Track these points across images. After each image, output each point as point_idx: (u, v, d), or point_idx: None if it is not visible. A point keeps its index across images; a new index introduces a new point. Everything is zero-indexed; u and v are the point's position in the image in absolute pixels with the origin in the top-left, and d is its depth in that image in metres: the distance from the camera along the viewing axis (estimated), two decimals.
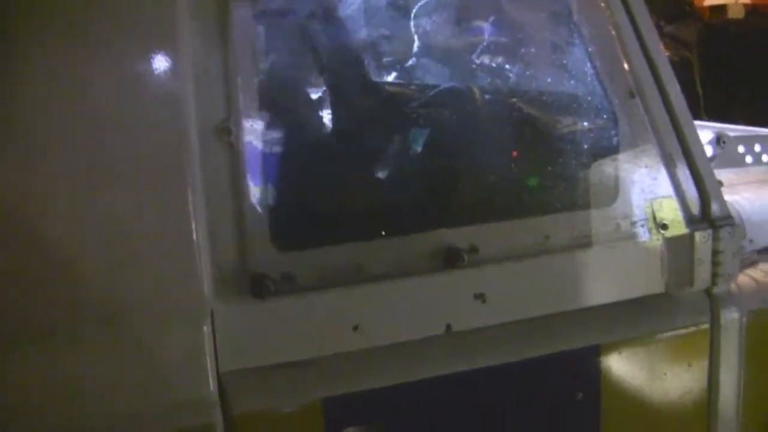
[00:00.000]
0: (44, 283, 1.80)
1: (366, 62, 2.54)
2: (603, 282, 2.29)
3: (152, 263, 1.86)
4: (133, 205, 1.86)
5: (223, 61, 1.93)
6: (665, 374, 2.37)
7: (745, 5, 13.15)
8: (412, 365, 2.12)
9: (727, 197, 2.57)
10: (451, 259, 2.11)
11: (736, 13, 13.00)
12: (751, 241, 2.70)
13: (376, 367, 2.09)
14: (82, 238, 1.82)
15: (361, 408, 2.07)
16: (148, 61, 1.83)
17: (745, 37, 11.82)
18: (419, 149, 2.29)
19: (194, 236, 1.88)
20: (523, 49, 2.44)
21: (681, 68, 7.33)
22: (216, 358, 1.92)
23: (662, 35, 7.41)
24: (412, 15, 2.56)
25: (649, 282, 2.34)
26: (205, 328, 1.90)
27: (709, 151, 2.55)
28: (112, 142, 1.83)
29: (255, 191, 1.98)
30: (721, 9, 12.83)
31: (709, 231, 2.36)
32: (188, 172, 1.87)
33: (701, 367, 2.42)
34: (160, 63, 1.84)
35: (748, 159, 2.75)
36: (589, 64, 2.27)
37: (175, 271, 1.88)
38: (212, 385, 1.91)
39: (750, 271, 2.61)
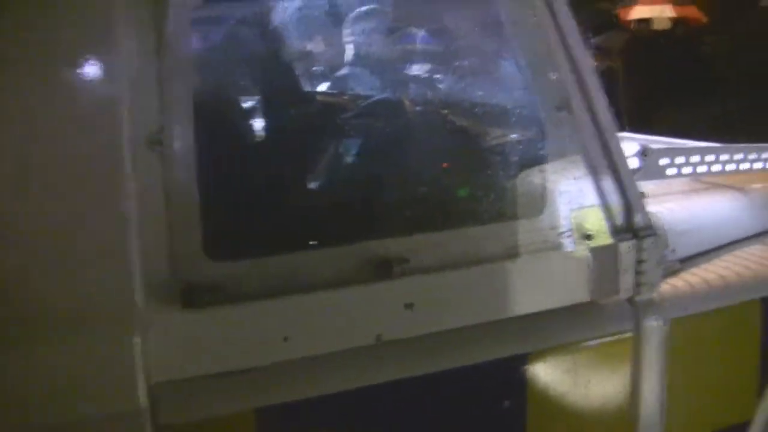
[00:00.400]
0: None
1: (298, 72, 2.54)
2: (530, 291, 2.32)
3: (83, 272, 1.86)
4: (65, 213, 1.85)
5: (157, 69, 1.93)
6: (590, 381, 2.42)
7: (672, 18, 13.46)
8: (342, 375, 2.13)
9: (650, 208, 2.64)
10: (381, 269, 2.13)
11: (661, 24, 13.30)
12: (673, 250, 2.76)
13: (307, 377, 2.10)
14: (13, 245, 1.81)
15: (292, 418, 2.07)
16: (83, 66, 1.83)
17: (672, 48, 12.10)
18: (350, 160, 2.30)
19: (126, 245, 1.88)
20: (453, 61, 2.48)
21: (607, 79, 7.46)
22: (147, 368, 1.91)
23: (590, 46, 7.54)
24: (344, 24, 2.57)
25: (575, 291, 2.39)
26: (136, 337, 1.89)
27: (633, 163, 2.61)
28: (45, 148, 1.82)
29: (187, 201, 1.98)
30: (647, 21, 13.12)
31: (633, 241, 2.42)
32: (121, 181, 1.86)
33: (625, 374, 2.48)
34: (95, 69, 1.83)
35: (671, 171, 2.81)
36: (518, 77, 2.31)
37: (107, 280, 1.88)
38: (142, 395, 1.90)
39: (673, 280, 2.68)
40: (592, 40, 7.48)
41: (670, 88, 11.39)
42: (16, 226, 1.82)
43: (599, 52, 7.50)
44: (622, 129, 6.95)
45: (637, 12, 14.13)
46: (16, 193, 1.82)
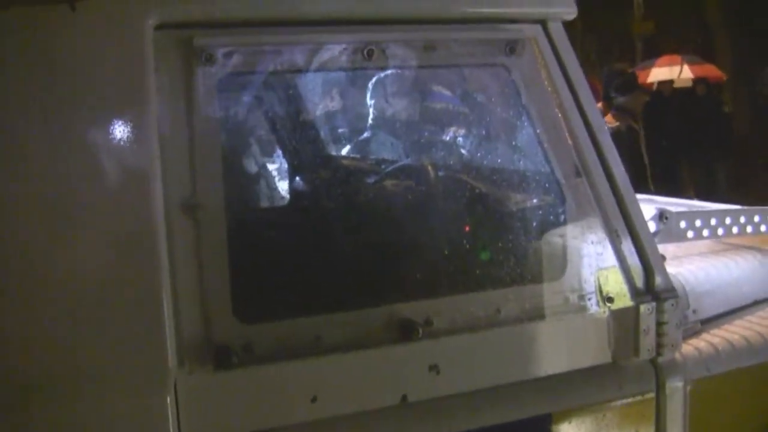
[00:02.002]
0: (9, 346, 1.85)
1: (323, 135, 2.62)
2: (553, 353, 2.36)
3: (118, 333, 1.93)
4: (102, 276, 1.93)
5: (189, 134, 2.02)
6: None
7: (692, 78, 13.54)
8: None
9: (670, 270, 2.67)
10: (406, 331, 2.18)
11: (682, 84, 13.39)
12: (694, 311, 2.80)
13: None
14: (50, 307, 1.89)
15: None
16: (115, 131, 1.92)
17: (693, 108, 12.15)
18: (376, 223, 2.36)
19: (159, 307, 1.94)
20: (474, 130, 2.54)
21: (629, 140, 7.53)
22: (178, 428, 1.97)
23: (612, 107, 7.62)
24: (369, 91, 2.65)
25: (596, 352, 2.43)
26: (168, 398, 1.95)
27: (652, 226, 2.66)
28: (79, 214, 1.91)
29: (218, 264, 2.04)
30: (668, 81, 13.22)
31: (653, 303, 2.45)
32: (154, 246, 1.94)
33: None
34: (127, 134, 1.92)
35: (690, 234, 2.86)
36: (537, 145, 2.37)
37: (141, 341, 1.95)
38: None
39: (694, 341, 2.70)
40: (616, 102, 7.57)
41: (692, 148, 11.44)
42: (52, 288, 1.90)
43: (621, 113, 7.56)
44: (647, 189, 6.98)
45: (655, 74, 14.27)
46: (53, 257, 1.90)
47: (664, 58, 14.98)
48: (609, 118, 7.53)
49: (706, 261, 3.07)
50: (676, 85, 13.51)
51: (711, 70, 14.62)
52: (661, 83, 13.40)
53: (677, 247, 3.18)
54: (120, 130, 1.92)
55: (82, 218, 1.92)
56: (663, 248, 2.90)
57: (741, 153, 13.44)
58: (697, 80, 13.38)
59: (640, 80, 12.76)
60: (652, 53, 16.54)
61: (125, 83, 1.94)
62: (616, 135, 7.44)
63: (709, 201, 3.75)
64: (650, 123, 9.98)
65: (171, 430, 1.96)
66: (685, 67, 14.09)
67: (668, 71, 14.21)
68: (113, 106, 1.94)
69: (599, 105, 7.87)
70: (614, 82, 7.77)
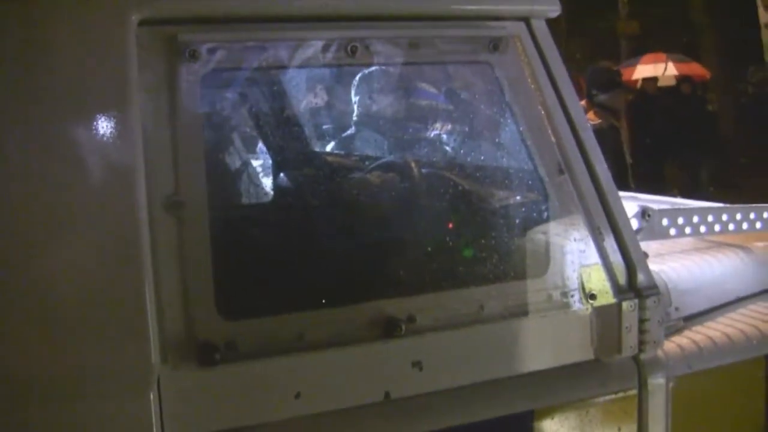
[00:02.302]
0: None
1: (307, 132, 2.62)
2: (535, 349, 2.37)
3: (102, 330, 1.93)
4: (85, 274, 1.92)
5: (171, 132, 2.01)
6: None
7: (676, 76, 13.62)
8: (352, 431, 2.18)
9: (653, 267, 2.69)
10: (389, 328, 2.19)
11: (665, 82, 13.46)
12: (677, 308, 2.81)
13: None
14: (29, 307, 1.88)
15: None
16: (100, 129, 1.91)
17: (677, 106, 12.21)
18: (359, 220, 2.36)
19: (142, 305, 1.94)
20: (458, 127, 2.54)
21: (612, 138, 7.54)
22: (162, 425, 1.97)
23: (594, 104, 7.63)
24: (352, 88, 2.65)
25: (579, 349, 2.44)
26: (151, 395, 1.96)
27: (634, 224, 2.67)
28: (61, 211, 1.90)
29: (201, 261, 2.04)
30: (652, 79, 13.28)
31: (636, 300, 2.47)
32: (136, 243, 1.94)
33: (631, 430, 2.51)
34: (109, 132, 1.92)
35: (672, 232, 2.87)
36: (520, 142, 2.38)
37: (124, 339, 1.94)
38: None
39: (677, 338, 2.72)
40: (597, 99, 7.58)
41: (675, 146, 11.49)
42: (30, 288, 1.89)
43: (604, 111, 7.57)
44: (629, 188, 7.00)
45: (640, 71, 14.33)
46: (32, 257, 1.89)
47: (649, 56, 15.06)
48: (591, 115, 7.54)
49: (689, 258, 3.09)
50: (661, 83, 13.59)
51: (695, 69, 14.71)
52: (645, 81, 13.47)
53: (661, 244, 3.19)
54: (103, 128, 1.92)
55: (65, 216, 1.91)
56: (646, 246, 2.92)
57: (725, 152, 13.53)
58: (682, 79, 13.46)
59: (625, 78, 12.80)
60: (637, 52, 16.61)
61: (108, 80, 1.93)
62: (598, 133, 7.43)
63: (692, 200, 3.78)
64: (634, 121, 10.02)
65: (155, 427, 1.96)
66: (670, 65, 14.17)
67: (653, 68, 14.29)
68: (96, 103, 1.93)
69: (583, 102, 7.89)
70: (596, 79, 7.77)
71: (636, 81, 13.74)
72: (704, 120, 12.22)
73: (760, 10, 13.24)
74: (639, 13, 18.72)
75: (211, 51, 2.03)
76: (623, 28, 18.61)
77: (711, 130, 12.49)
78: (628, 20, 18.58)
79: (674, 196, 6.79)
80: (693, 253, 3.18)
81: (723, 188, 12.01)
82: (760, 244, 3.32)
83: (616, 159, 7.63)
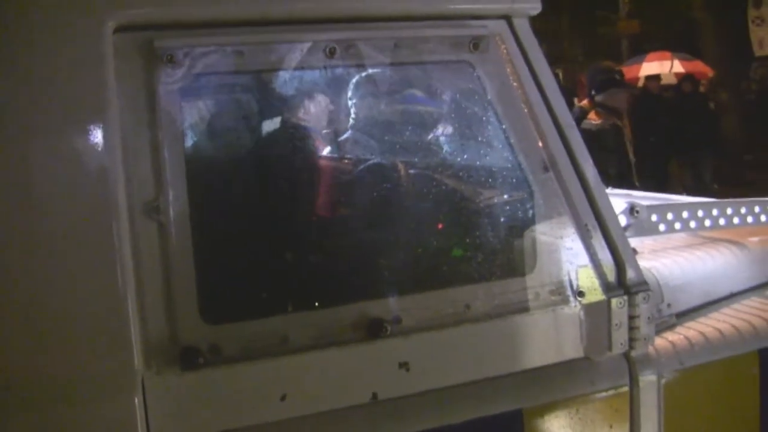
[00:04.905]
0: None
1: (290, 137, 2.60)
2: (524, 348, 2.36)
3: (85, 336, 1.94)
4: (65, 279, 1.93)
5: (151, 138, 2.02)
6: None
7: (678, 74, 13.61)
8: None
9: (645, 263, 2.68)
10: (374, 329, 2.19)
11: (668, 79, 13.45)
12: (669, 305, 2.80)
13: None
14: (11, 312, 1.89)
15: None
16: (78, 135, 1.92)
17: (680, 104, 12.20)
18: (344, 221, 2.36)
19: (125, 310, 1.95)
20: (441, 127, 2.54)
21: (613, 137, 7.53)
22: (147, 429, 1.97)
23: (594, 104, 7.62)
24: (332, 90, 2.64)
25: (568, 347, 2.43)
26: (136, 399, 1.96)
27: (623, 220, 2.66)
28: (41, 217, 1.91)
29: (183, 266, 2.04)
30: (655, 77, 13.28)
31: (625, 297, 2.45)
32: (118, 249, 1.95)
33: (623, 428, 2.50)
34: (90, 139, 1.92)
35: (662, 227, 2.86)
36: (504, 141, 2.37)
37: (107, 344, 1.95)
38: None
39: (668, 334, 2.71)
40: (597, 98, 7.57)
41: (679, 144, 11.48)
42: (13, 293, 1.90)
43: (605, 110, 7.56)
44: (633, 187, 6.97)
45: (646, 69, 14.33)
46: (14, 261, 1.90)
47: (654, 54, 15.07)
48: (593, 115, 7.53)
49: (681, 254, 3.08)
50: (664, 81, 13.57)
51: (699, 67, 14.71)
52: (648, 80, 13.46)
53: (654, 240, 3.19)
54: (82, 134, 1.93)
55: (47, 222, 1.92)
56: (639, 242, 2.91)
57: (729, 149, 13.51)
58: (683, 78, 13.45)
59: (630, 76, 12.78)
60: (638, 51, 16.62)
61: (86, 87, 1.95)
62: (600, 132, 7.44)
63: (697, 197, 3.75)
64: (638, 120, 9.99)
65: (140, 431, 1.96)
66: (676, 62, 14.17)
67: (658, 66, 14.30)
68: (74, 111, 1.94)
69: (585, 102, 7.87)
70: (598, 79, 7.75)
71: (638, 79, 13.74)
72: (707, 117, 12.19)
73: (750, 7, 13.23)
74: (639, 13, 18.72)
75: (188, 56, 2.03)
76: (624, 27, 18.61)
77: (714, 127, 12.46)
78: (629, 20, 18.58)
79: (680, 194, 6.77)
80: (686, 249, 3.17)
81: (727, 185, 12.00)
82: (754, 239, 3.31)
83: (620, 158, 7.62)
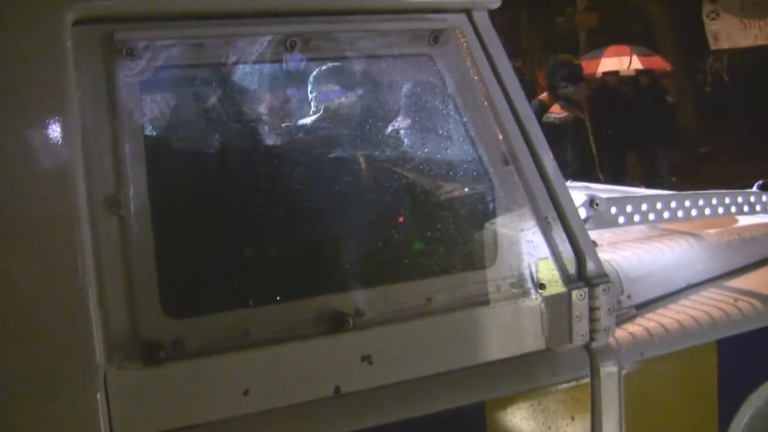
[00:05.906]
0: None
1: (251, 130, 2.59)
2: (485, 341, 2.37)
3: (45, 331, 1.92)
4: (25, 274, 1.92)
5: (111, 131, 2.00)
6: (549, 428, 2.47)
7: (636, 69, 13.74)
8: (302, 427, 2.18)
9: (604, 256, 2.70)
10: (336, 323, 2.18)
11: (628, 73, 13.58)
12: (629, 296, 2.83)
13: (267, 430, 2.15)
14: None
15: None
16: (38, 129, 1.90)
17: (638, 98, 12.33)
18: (304, 215, 2.35)
19: (86, 304, 1.93)
20: (401, 120, 2.54)
21: (576, 129, 7.60)
22: (110, 424, 1.96)
23: (559, 97, 7.68)
24: (292, 83, 2.63)
25: (530, 339, 2.44)
26: (98, 395, 1.94)
27: (582, 213, 2.68)
28: (4, 211, 1.89)
29: (144, 260, 2.03)
30: (614, 72, 13.42)
31: (585, 289, 2.47)
32: (78, 242, 1.93)
33: (584, 418, 2.52)
34: (49, 132, 1.90)
35: (621, 220, 2.89)
36: (464, 134, 2.38)
37: (68, 339, 1.93)
38: None
39: (628, 326, 2.74)
40: (561, 92, 7.63)
41: (636, 138, 11.61)
42: None
43: (568, 104, 7.63)
44: (596, 179, 7.04)
45: (605, 65, 14.44)
46: None
47: (612, 49, 15.16)
48: (556, 108, 7.59)
49: (640, 246, 3.11)
50: (621, 74, 13.69)
51: (658, 62, 14.84)
52: (605, 74, 13.57)
53: (613, 233, 3.22)
54: (41, 128, 1.90)
55: (4, 217, 1.90)
56: (599, 235, 2.94)
57: (684, 142, 13.67)
58: (641, 71, 13.58)
59: (589, 71, 12.88)
60: (595, 45, 16.73)
61: (45, 80, 1.92)
62: (565, 125, 7.51)
63: (654, 190, 3.80)
64: (596, 113, 10.09)
65: (102, 427, 1.95)
66: (635, 58, 14.28)
67: (617, 62, 14.39)
68: (33, 105, 1.91)
69: (545, 95, 7.93)
70: (560, 72, 7.82)
71: (594, 73, 13.84)
72: (664, 111, 12.32)
73: (704, 1, 13.38)
74: (597, 6, 18.84)
75: (149, 49, 2.01)
76: (582, 20, 18.72)
77: (671, 120, 12.60)
78: (587, 12, 18.69)
79: (638, 186, 6.84)
80: (645, 241, 3.20)
81: (684, 178, 12.15)
82: (711, 231, 3.36)
83: (583, 151, 7.70)
